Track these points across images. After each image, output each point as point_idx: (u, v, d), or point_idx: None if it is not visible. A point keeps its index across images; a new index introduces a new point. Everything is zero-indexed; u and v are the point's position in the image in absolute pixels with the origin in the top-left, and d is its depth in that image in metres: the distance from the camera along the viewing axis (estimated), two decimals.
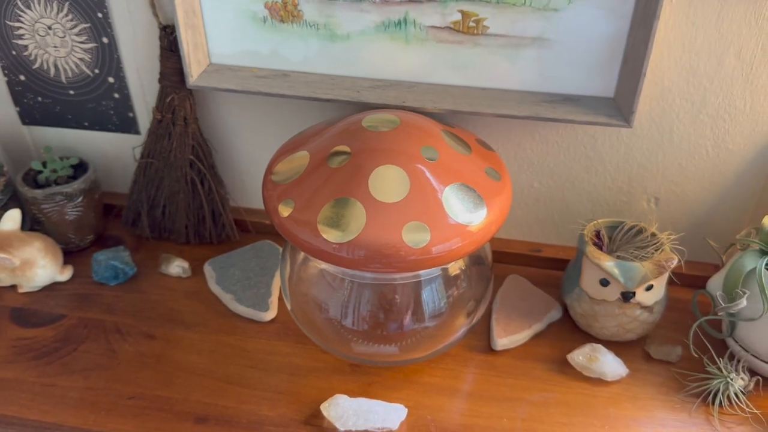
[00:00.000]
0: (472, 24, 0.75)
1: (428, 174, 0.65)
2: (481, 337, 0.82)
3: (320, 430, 0.70)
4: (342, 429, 0.69)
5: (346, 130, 0.70)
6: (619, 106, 0.76)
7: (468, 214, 0.64)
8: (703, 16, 0.72)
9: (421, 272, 0.70)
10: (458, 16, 0.75)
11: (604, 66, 0.76)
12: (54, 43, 0.88)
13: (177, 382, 0.76)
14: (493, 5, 0.73)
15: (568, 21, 0.73)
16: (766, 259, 0.72)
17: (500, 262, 0.93)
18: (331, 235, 0.62)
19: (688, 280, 0.86)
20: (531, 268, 0.93)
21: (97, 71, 0.89)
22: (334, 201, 0.64)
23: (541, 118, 0.75)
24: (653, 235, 0.78)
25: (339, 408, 0.70)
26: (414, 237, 0.62)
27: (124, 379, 0.76)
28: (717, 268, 0.83)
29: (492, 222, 0.66)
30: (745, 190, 0.84)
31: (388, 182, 0.64)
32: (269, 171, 0.71)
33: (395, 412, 0.71)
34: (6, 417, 0.72)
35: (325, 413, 0.70)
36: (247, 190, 0.98)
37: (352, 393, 0.73)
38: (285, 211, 0.66)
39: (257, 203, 0.99)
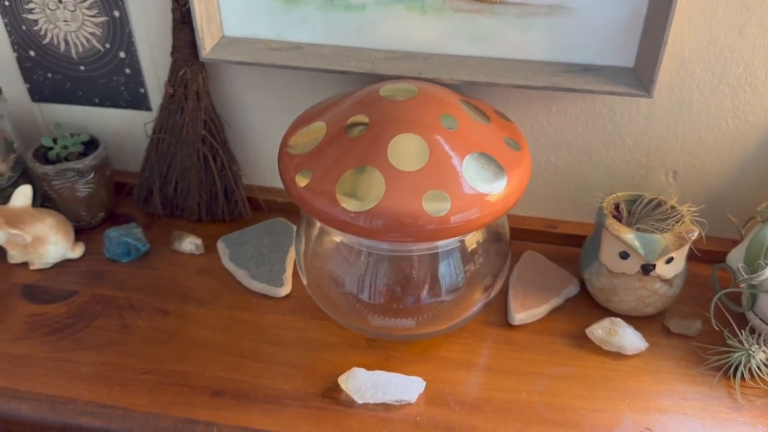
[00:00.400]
0: None
1: (447, 143, 0.64)
2: (498, 312, 0.81)
3: (338, 403, 0.70)
4: (360, 401, 0.69)
5: (363, 101, 0.69)
6: (639, 76, 0.75)
7: (488, 184, 0.63)
8: None
9: (438, 244, 0.69)
10: None
11: (623, 35, 0.74)
12: (64, 17, 0.87)
13: (191, 357, 0.75)
14: None
15: None
16: None
17: (516, 239, 0.92)
18: (350, 204, 0.62)
19: (707, 256, 0.85)
20: (547, 244, 0.92)
21: (108, 46, 0.88)
22: (353, 170, 0.63)
23: (559, 88, 0.74)
24: (673, 207, 0.77)
25: (357, 381, 0.70)
26: (434, 206, 0.61)
27: (138, 355, 0.75)
28: (735, 243, 0.82)
29: (511, 192, 0.65)
30: (765, 163, 0.82)
31: (407, 151, 0.63)
32: (284, 143, 0.70)
33: (413, 385, 0.70)
34: (19, 392, 0.71)
35: (342, 386, 0.70)
36: (260, 167, 0.97)
37: (369, 367, 0.72)
38: (302, 181, 0.65)
39: (270, 181, 0.98)
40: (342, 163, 0.64)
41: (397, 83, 0.71)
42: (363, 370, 0.71)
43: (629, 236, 0.73)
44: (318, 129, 0.69)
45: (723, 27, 0.74)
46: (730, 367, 0.73)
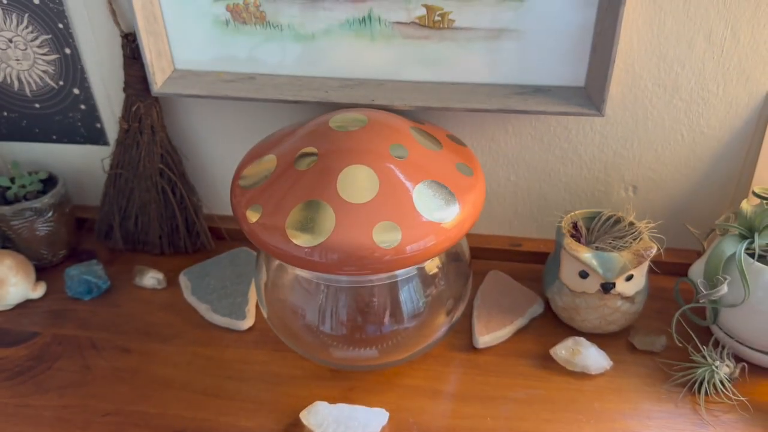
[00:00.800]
0: (437, 18, 0.74)
1: (398, 172, 0.64)
2: (462, 336, 0.81)
3: None
4: None
5: (313, 131, 0.69)
6: (590, 94, 0.75)
7: (440, 212, 0.63)
8: (670, 0, 0.71)
9: (397, 272, 0.68)
10: (423, 11, 0.74)
11: (573, 55, 0.75)
12: (16, 56, 0.86)
13: (154, 396, 0.74)
14: None
15: (534, 11, 0.72)
16: (745, 244, 0.71)
17: (480, 258, 0.91)
18: (301, 240, 0.61)
19: (670, 268, 0.85)
20: (512, 263, 0.92)
21: (61, 83, 0.88)
22: (303, 204, 0.63)
23: (512, 110, 0.74)
24: (631, 224, 0.77)
25: (319, 415, 0.69)
26: (385, 237, 0.60)
27: (99, 396, 0.74)
28: (699, 254, 0.82)
29: (465, 218, 0.64)
30: (723, 174, 0.83)
31: (357, 182, 0.63)
32: (237, 176, 0.70)
33: (376, 417, 0.69)
34: None
35: (304, 421, 0.69)
36: (220, 197, 0.96)
37: (333, 399, 0.71)
38: (253, 216, 0.64)
39: (231, 210, 0.97)
40: (292, 197, 0.64)
41: (347, 113, 0.70)
42: (325, 404, 0.70)
43: (587, 255, 0.73)
44: (269, 161, 0.68)
45: (671, 42, 0.74)
46: (694, 383, 0.73)
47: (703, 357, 0.73)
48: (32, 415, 0.72)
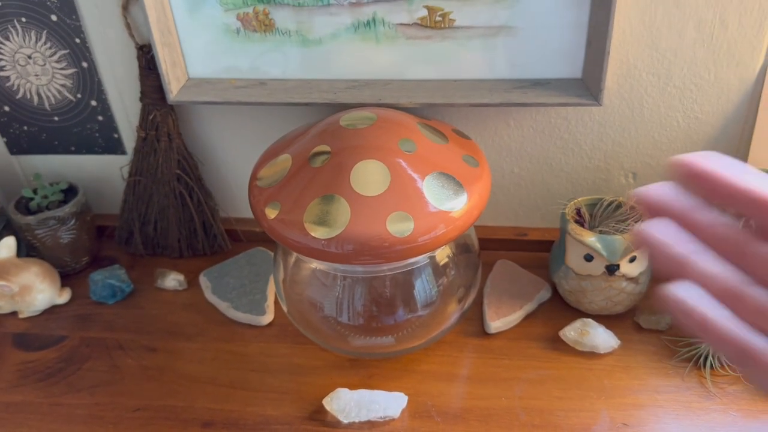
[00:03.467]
0: (438, 18, 0.77)
1: (407, 165, 0.67)
2: (474, 323, 0.84)
3: (324, 424, 0.72)
4: (345, 421, 0.71)
5: (325, 131, 0.72)
6: (587, 85, 0.78)
7: (449, 201, 0.66)
8: None
9: (410, 261, 0.72)
10: (424, 12, 0.77)
11: (569, 48, 0.78)
12: (35, 72, 0.90)
13: (181, 391, 0.77)
14: None
15: (531, 8, 0.76)
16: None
17: (488, 249, 0.94)
18: (318, 232, 0.64)
19: None
20: (519, 252, 0.95)
21: (79, 96, 0.91)
22: (319, 199, 0.66)
23: (513, 103, 0.77)
24: (632, 208, 0.80)
25: (341, 401, 0.72)
26: (398, 227, 0.64)
27: (129, 393, 0.77)
28: None
29: (473, 207, 0.68)
30: None
31: (369, 176, 0.66)
32: (254, 177, 0.73)
33: (396, 401, 0.73)
34: None
35: (327, 407, 0.72)
36: (235, 200, 1.00)
37: (353, 386, 0.74)
38: (272, 213, 0.68)
39: (246, 212, 1.00)
40: (308, 193, 0.67)
41: (356, 112, 0.74)
42: (346, 390, 0.73)
43: (591, 239, 0.76)
44: (284, 161, 0.71)
45: (663, 32, 0.77)
46: (699, 358, 0.76)
47: None
48: (65, 413, 0.76)
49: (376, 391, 0.73)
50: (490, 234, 0.95)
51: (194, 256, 0.97)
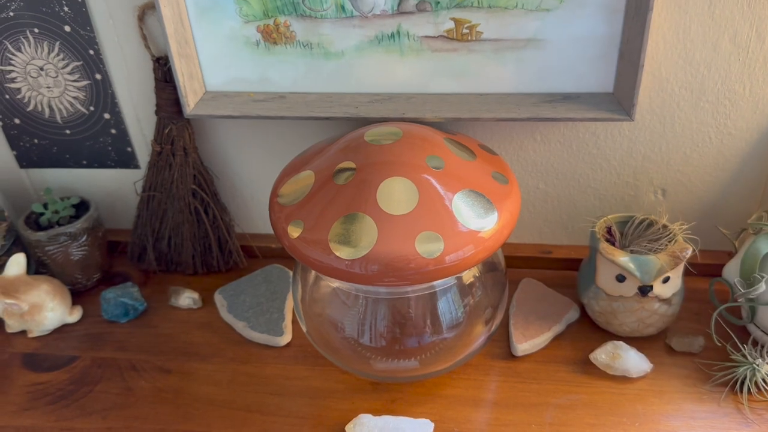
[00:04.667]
0: (465, 31, 0.75)
1: (436, 183, 0.65)
2: (501, 344, 0.81)
3: None
4: None
5: (348, 146, 0.70)
6: (619, 100, 0.76)
7: (479, 220, 0.64)
8: (695, 4, 0.72)
9: (435, 283, 0.69)
10: (451, 24, 0.75)
11: (601, 62, 0.76)
12: (47, 84, 0.87)
13: (197, 415, 0.74)
14: (485, 10, 0.73)
15: (561, 20, 0.73)
16: None
17: (511, 267, 0.92)
18: (343, 252, 0.62)
19: (703, 269, 0.86)
20: (543, 270, 0.92)
21: (92, 108, 0.89)
22: (344, 217, 0.63)
23: (541, 118, 0.75)
24: (665, 226, 0.78)
25: (364, 428, 0.69)
26: (427, 247, 0.61)
27: (142, 416, 0.75)
28: (730, 255, 0.82)
29: (504, 226, 0.65)
30: (752, 174, 0.83)
31: (396, 194, 0.64)
32: (275, 193, 0.71)
33: (421, 428, 0.70)
34: None
35: None
36: (251, 215, 0.97)
37: (376, 411, 0.72)
38: (294, 232, 0.65)
39: (262, 228, 0.98)
40: (332, 211, 0.64)
41: (381, 127, 0.71)
42: (370, 416, 0.70)
43: (624, 259, 0.73)
44: (306, 177, 0.69)
45: (697, 45, 0.75)
46: (736, 382, 0.73)
47: (743, 356, 0.73)
48: None
49: (401, 418, 0.70)
50: (512, 251, 0.93)
51: (209, 273, 0.95)
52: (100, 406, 0.77)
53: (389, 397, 0.75)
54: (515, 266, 0.93)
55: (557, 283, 0.89)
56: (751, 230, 0.77)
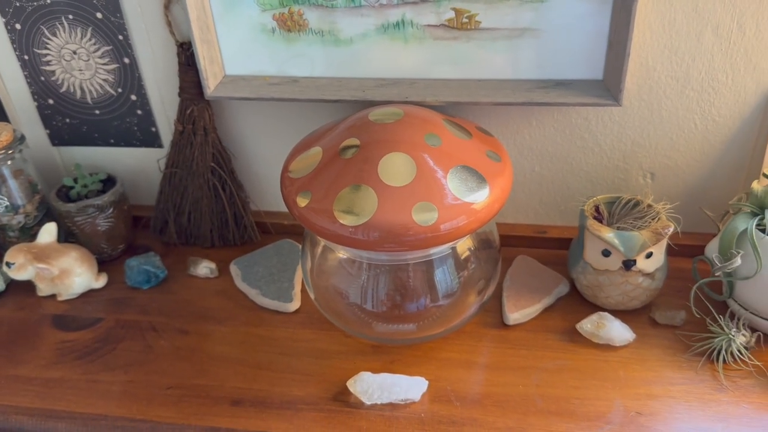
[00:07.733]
0: (465, 20, 0.81)
1: (432, 159, 0.70)
2: (494, 315, 0.86)
3: (348, 405, 0.75)
4: (368, 402, 0.74)
5: (354, 125, 0.76)
6: (608, 86, 0.81)
7: (471, 194, 0.69)
8: None
9: (432, 251, 0.75)
10: (452, 14, 0.81)
11: (591, 50, 0.81)
12: (79, 67, 0.94)
13: (211, 371, 0.81)
14: (483, 1, 0.79)
15: (554, 11, 0.79)
16: (756, 220, 0.76)
17: (508, 246, 0.97)
18: (347, 220, 0.68)
19: (688, 250, 0.91)
20: (538, 249, 0.98)
21: (120, 90, 0.96)
22: (348, 188, 0.69)
23: (535, 103, 0.80)
24: (649, 206, 0.83)
25: (364, 383, 0.75)
26: (423, 216, 0.67)
27: (161, 372, 0.81)
28: (714, 236, 0.87)
29: (495, 200, 0.71)
30: (734, 159, 0.88)
31: (396, 168, 0.69)
32: (286, 168, 0.77)
33: (417, 385, 0.75)
34: (56, 412, 0.77)
35: (351, 389, 0.75)
36: (265, 193, 1.04)
37: (376, 371, 0.77)
38: (303, 201, 0.71)
39: (276, 205, 1.05)
40: (338, 183, 0.70)
41: (385, 108, 0.77)
42: (369, 373, 0.76)
43: (609, 235, 0.79)
44: (315, 154, 0.75)
45: (682, 36, 0.80)
46: (713, 352, 0.78)
47: (720, 327, 0.78)
48: (102, 389, 0.80)
49: (398, 375, 0.76)
50: (510, 231, 0.98)
51: (225, 246, 1.01)
52: (123, 361, 0.83)
53: (388, 358, 0.81)
54: (512, 245, 0.98)
55: (551, 261, 0.94)
56: (732, 210, 0.82)
